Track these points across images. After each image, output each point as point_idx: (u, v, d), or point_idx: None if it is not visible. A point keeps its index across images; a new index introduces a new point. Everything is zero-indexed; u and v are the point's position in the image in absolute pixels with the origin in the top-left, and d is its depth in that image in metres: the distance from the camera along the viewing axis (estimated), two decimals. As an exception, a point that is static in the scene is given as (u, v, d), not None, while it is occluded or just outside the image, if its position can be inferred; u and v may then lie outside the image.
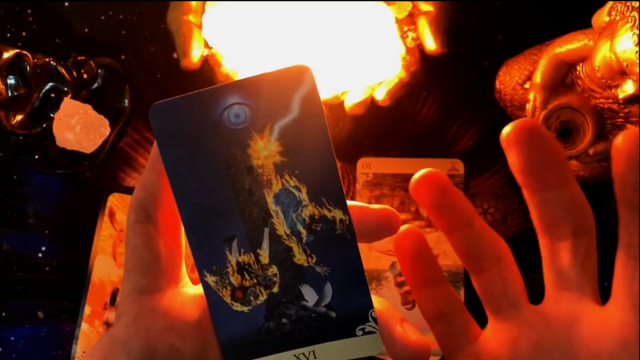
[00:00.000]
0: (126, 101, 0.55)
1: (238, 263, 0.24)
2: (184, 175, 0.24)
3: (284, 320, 0.24)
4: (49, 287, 0.55)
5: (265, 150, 0.23)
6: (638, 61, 0.41)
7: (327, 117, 0.53)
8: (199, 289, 0.26)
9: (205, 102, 0.23)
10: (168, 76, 0.56)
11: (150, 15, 0.55)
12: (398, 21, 0.51)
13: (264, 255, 0.24)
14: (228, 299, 0.24)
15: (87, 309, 0.54)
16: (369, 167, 0.55)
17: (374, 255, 0.54)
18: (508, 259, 0.26)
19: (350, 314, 0.24)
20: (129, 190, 0.55)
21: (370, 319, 0.24)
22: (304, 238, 0.24)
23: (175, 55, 0.53)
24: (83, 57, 0.54)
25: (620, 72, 0.43)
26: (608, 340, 0.23)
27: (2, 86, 0.49)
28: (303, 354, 0.24)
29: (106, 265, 0.54)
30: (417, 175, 0.25)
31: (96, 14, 0.56)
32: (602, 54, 0.44)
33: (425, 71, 0.52)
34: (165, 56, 0.55)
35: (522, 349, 0.25)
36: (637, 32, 0.41)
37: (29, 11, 0.56)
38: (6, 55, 0.50)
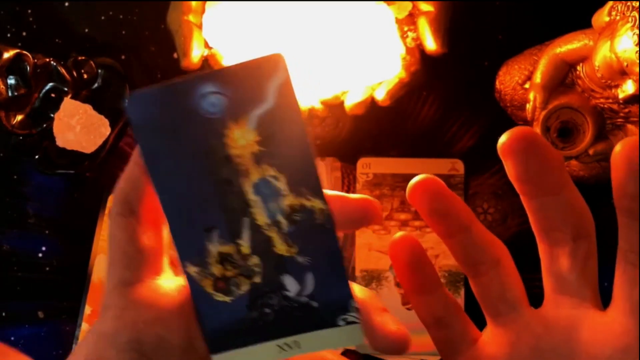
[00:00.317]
0: (126, 101, 0.55)
1: (219, 253, 0.24)
2: (162, 165, 0.23)
3: (267, 310, 0.24)
4: (49, 287, 0.55)
5: (242, 139, 0.23)
6: (638, 61, 0.41)
7: (327, 117, 0.53)
8: (182, 280, 0.26)
9: (181, 92, 0.23)
10: (168, 76, 0.56)
11: (150, 15, 0.55)
12: (398, 21, 0.51)
13: (245, 245, 0.24)
14: (210, 289, 0.24)
15: (88, 309, 0.54)
16: (369, 167, 0.55)
17: (374, 255, 0.54)
18: (507, 262, 0.26)
19: (332, 304, 0.24)
20: (129, 190, 0.55)
21: (350, 308, 0.24)
22: (285, 228, 0.24)
23: (175, 55, 0.53)
24: (83, 57, 0.54)
25: (621, 72, 0.43)
26: (608, 346, 0.23)
27: (2, 86, 0.49)
28: (286, 343, 0.24)
29: (106, 265, 0.54)
30: (413, 181, 0.25)
31: (96, 14, 0.56)
32: (602, 54, 0.44)
33: (425, 71, 0.52)
34: (165, 56, 0.55)
35: (521, 352, 0.25)
36: (637, 32, 0.41)
37: (29, 11, 0.56)
38: (6, 55, 0.50)
